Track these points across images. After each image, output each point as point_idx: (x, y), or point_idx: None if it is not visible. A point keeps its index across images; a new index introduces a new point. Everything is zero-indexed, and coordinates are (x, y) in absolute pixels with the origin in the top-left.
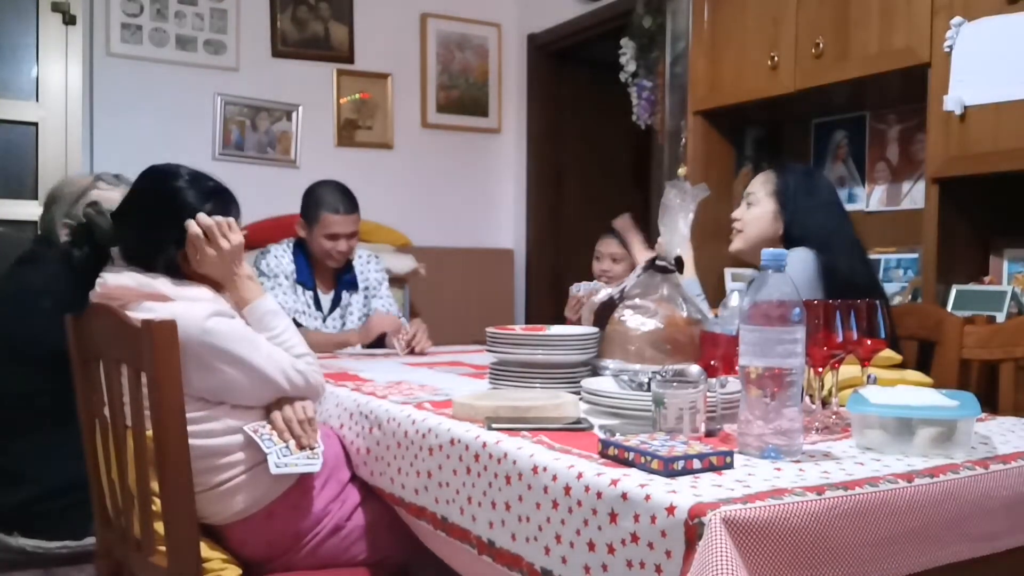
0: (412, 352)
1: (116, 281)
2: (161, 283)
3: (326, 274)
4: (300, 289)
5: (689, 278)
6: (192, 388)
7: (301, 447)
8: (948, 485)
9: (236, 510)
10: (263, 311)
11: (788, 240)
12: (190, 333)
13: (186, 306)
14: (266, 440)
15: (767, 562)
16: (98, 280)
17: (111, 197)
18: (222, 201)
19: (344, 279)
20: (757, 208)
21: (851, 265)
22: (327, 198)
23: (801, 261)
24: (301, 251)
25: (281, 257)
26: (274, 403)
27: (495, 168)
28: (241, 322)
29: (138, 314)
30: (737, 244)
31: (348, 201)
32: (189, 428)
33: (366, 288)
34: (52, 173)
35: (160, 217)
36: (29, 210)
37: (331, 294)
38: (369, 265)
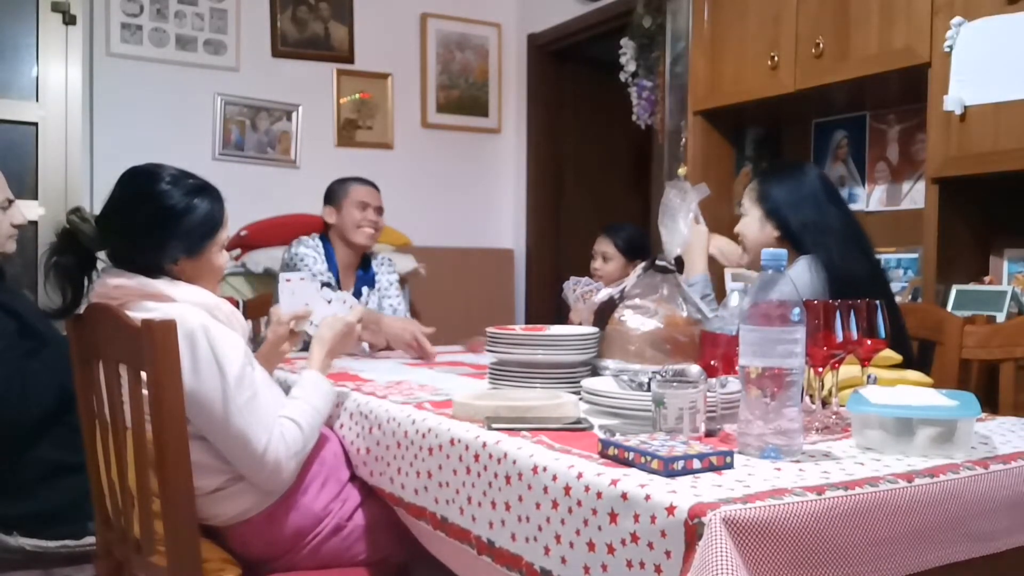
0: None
1: (116, 281)
2: (162, 283)
3: (348, 273)
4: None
5: (700, 274)
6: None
7: None
8: (948, 485)
9: (237, 512)
10: (311, 379)
11: (787, 240)
12: (183, 331)
13: (182, 309)
14: None
15: (767, 562)
16: (97, 280)
17: None
18: (207, 198)
19: (365, 277)
20: (746, 218)
21: (843, 255)
22: (352, 179)
23: (805, 271)
24: (327, 248)
25: (316, 259)
26: None
27: (495, 168)
28: (235, 336)
29: (136, 314)
30: (745, 257)
31: (372, 183)
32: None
33: (378, 289)
34: (52, 173)
35: (145, 221)
36: (30, 211)
37: (350, 291)
38: (383, 267)
